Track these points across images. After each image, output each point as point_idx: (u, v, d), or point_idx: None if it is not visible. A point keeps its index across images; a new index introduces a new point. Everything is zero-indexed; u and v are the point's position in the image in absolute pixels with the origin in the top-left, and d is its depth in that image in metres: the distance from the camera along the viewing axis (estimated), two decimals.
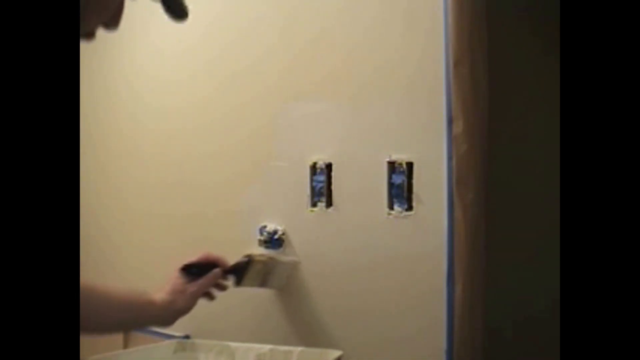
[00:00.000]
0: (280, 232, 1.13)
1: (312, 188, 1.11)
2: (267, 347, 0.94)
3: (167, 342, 0.98)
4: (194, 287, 0.98)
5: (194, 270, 1.00)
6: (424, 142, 1.01)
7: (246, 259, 1.05)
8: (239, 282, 1.06)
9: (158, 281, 1.31)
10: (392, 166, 1.04)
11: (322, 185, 1.10)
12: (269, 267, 1.08)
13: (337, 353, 0.87)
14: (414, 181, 1.02)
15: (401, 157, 1.03)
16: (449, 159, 0.98)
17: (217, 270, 1.01)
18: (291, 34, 1.13)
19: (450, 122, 0.97)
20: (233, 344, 0.97)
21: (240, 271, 1.05)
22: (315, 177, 1.11)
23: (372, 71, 1.05)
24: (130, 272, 1.36)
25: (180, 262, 1.00)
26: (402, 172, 1.03)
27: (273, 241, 1.14)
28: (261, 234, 1.15)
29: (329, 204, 1.10)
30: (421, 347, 1.04)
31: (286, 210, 1.14)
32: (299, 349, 0.93)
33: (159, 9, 0.66)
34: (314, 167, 1.11)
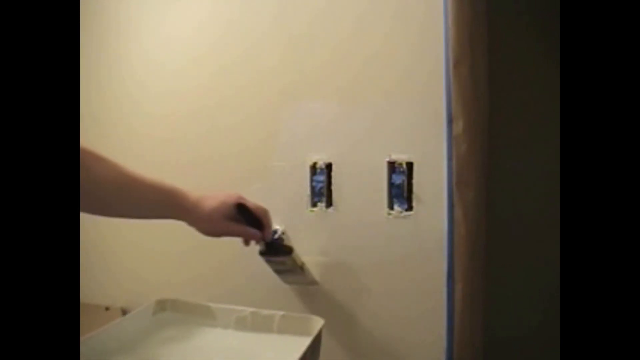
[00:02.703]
0: (280, 232, 1.13)
1: (312, 188, 1.11)
2: (248, 310, 0.91)
3: (145, 305, 0.93)
4: (230, 227, 0.90)
5: (243, 213, 0.92)
6: (424, 142, 1.01)
7: (287, 249, 1.01)
8: (264, 255, 1.01)
9: (157, 282, 1.32)
10: (392, 166, 1.04)
11: (322, 185, 1.10)
12: (294, 267, 1.05)
13: (320, 321, 0.84)
14: (414, 181, 1.03)
15: (401, 157, 1.03)
16: (449, 159, 0.98)
17: (256, 233, 0.94)
18: (293, 35, 1.13)
19: (450, 122, 0.97)
20: (213, 305, 0.93)
21: (273, 250, 1.00)
22: (315, 177, 1.11)
23: (373, 71, 1.05)
24: (130, 271, 1.36)
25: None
26: (402, 172, 1.03)
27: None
28: None
29: (329, 204, 1.10)
30: (421, 347, 1.04)
31: (286, 210, 1.14)
32: (281, 313, 0.89)
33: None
34: (314, 167, 1.11)
